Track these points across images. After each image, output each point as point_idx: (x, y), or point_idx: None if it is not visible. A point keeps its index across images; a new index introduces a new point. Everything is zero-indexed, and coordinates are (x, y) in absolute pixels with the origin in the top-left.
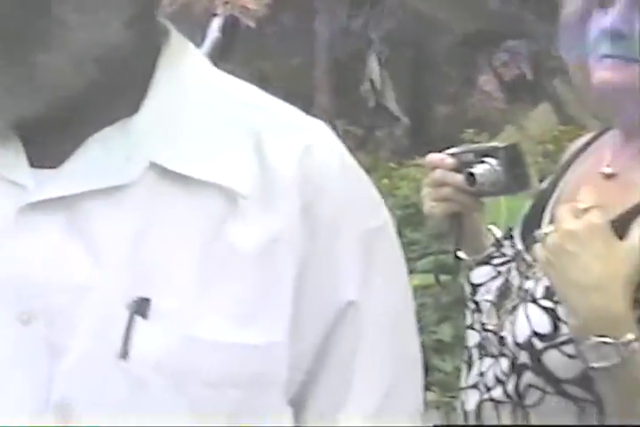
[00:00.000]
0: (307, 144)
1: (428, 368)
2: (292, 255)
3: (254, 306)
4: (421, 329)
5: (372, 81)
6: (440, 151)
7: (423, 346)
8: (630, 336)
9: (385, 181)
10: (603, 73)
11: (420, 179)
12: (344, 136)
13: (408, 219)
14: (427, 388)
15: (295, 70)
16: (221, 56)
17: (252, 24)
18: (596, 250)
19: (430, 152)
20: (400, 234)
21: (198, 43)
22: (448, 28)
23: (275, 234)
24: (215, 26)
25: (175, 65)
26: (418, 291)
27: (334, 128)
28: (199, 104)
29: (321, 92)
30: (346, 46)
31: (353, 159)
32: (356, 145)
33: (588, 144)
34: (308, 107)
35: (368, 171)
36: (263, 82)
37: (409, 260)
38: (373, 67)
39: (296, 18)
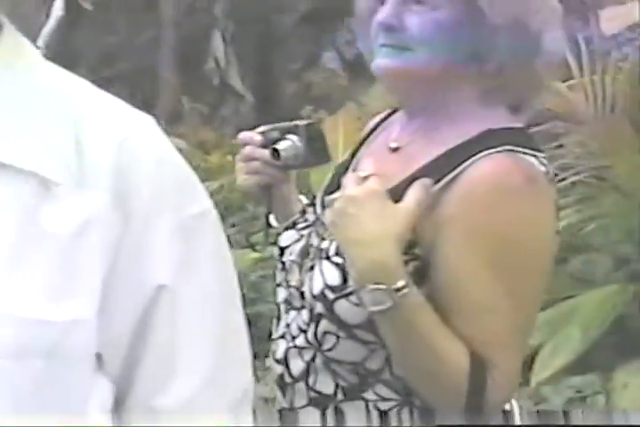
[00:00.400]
0: (123, 137)
1: (270, 335)
2: (103, 241)
3: (61, 286)
4: (262, 299)
5: (216, 58)
6: None
7: (263, 315)
8: (400, 283)
9: (229, 157)
10: (380, 60)
11: None
12: (190, 113)
13: (250, 194)
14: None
15: (141, 47)
16: (66, 33)
17: (87, 6)
18: (373, 212)
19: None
20: (243, 208)
21: (43, 21)
22: (292, 5)
23: (86, 220)
24: (59, 4)
25: (7, 61)
26: (258, 263)
27: (180, 105)
28: (23, 97)
29: (166, 70)
30: (191, 23)
31: (173, 151)
32: (202, 122)
33: (382, 121)
34: (153, 84)
35: (213, 147)
36: (109, 59)
37: (251, 234)
38: (218, 44)
39: None
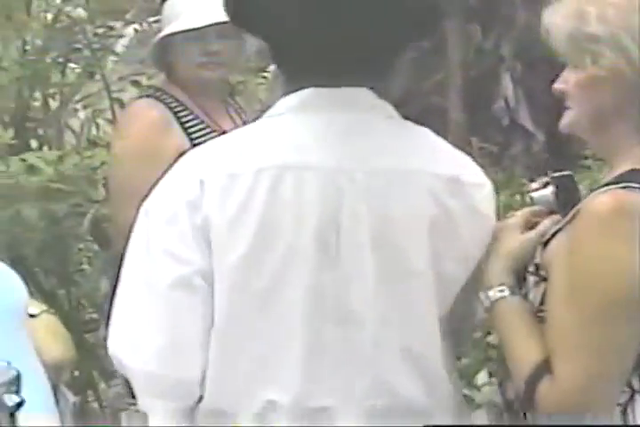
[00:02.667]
0: None
1: None
2: None
3: None
4: None
5: (505, 98)
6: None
7: None
8: (495, 290)
9: (517, 197)
10: None
11: None
12: (479, 153)
13: None
14: None
15: (430, 89)
16: None
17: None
18: (506, 236)
19: (565, 168)
20: None
21: None
22: None
23: None
24: None
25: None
26: None
27: (469, 145)
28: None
29: (456, 111)
30: (479, 64)
31: None
32: (491, 162)
33: None
34: (443, 125)
35: (502, 187)
36: (399, 101)
37: None
38: (507, 84)
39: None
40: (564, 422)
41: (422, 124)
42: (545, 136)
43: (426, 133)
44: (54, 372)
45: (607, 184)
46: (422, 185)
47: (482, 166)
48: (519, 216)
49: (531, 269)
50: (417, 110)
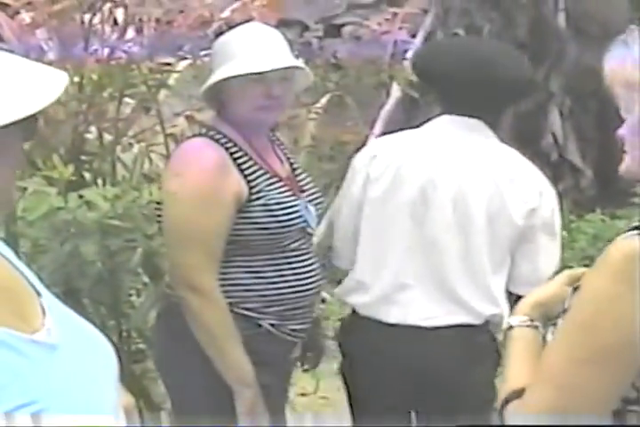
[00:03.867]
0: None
1: None
2: None
3: None
4: None
5: (554, 134)
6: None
7: None
8: (510, 319)
9: (564, 233)
10: None
11: (595, 231)
12: None
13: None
14: None
15: None
16: (405, 113)
17: (415, 94)
18: (555, 281)
19: (614, 204)
20: None
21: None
22: None
23: None
24: (396, 86)
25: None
26: None
27: None
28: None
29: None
30: (528, 99)
31: None
32: None
33: None
34: None
35: None
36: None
37: None
38: (555, 119)
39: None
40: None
41: None
42: (593, 172)
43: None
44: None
45: (636, 228)
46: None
47: None
48: (577, 270)
49: (562, 312)
50: None
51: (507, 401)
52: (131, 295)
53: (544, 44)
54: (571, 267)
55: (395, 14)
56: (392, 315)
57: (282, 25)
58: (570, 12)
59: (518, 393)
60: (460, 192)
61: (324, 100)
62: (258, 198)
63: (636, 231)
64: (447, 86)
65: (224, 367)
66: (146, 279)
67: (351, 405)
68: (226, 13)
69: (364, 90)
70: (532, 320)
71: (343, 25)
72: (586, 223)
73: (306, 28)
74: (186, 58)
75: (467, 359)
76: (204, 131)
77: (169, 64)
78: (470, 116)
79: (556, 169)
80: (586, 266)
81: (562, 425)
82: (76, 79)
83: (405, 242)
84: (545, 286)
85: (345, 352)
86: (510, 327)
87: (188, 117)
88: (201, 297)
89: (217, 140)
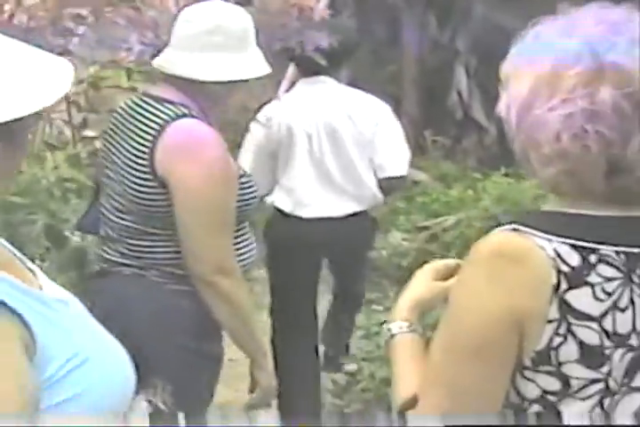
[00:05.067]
0: None
1: None
2: None
3: None
4: None
5: (459, 92)
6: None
7: None
8: (396, 324)
9: (469, 191)
10: None
11: (500, 192)
12: (432, 146)
13: (486, 231)
14: None
15: (384, 82)
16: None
17: (322, 62)
18: (422, 279)
19: (516, 162)
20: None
21: None
22: None
23: None
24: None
25: None
26: None
27: (423, 138)
28: None
29: (410, 104)
30: (434, 58)
31: None
32: (444, 155)
33: None
34: (397, 116)
35: (454, 180)
36: (354, 88)
37: None
38: (461, 78)
39: (386, 29)
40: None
41: None
42: (497, 130)
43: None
44: None
45: (512, 222)
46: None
47: (435, 159)
48: (439, 263)
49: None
50: None
51: (403, 410)
52: (34, 261)
53: (450, 3)
54: (474, 226)
55: None
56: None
57: None
58: None
59: (412, 401)
60: (331, 128)
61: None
62: (241, 174)
63: (509, 226)
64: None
65: (248, 339)
66: (48, 244)
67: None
68: None
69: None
70: (411, 324)
71: None
72: (491, 184)
73: None
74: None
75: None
76: (181, 110)
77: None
78: (318, 74)
79: (460, 127)
80: (490, 226)
81: (572, 425)
82: None
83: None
84: (413, 284)
85: (271, 244)
86: (392, 335)
87: (91, 84)
88: (232, 278)
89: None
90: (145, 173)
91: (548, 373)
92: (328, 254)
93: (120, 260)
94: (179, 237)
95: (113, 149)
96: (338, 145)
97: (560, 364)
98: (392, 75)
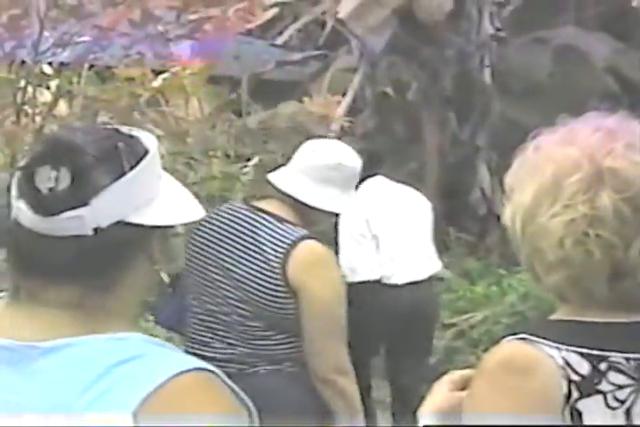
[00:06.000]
0: None
1: None
2: None
3: None
4: None
5: (482, 189)
6: None
7: None
8: None
9: (494, 288)
10: None
11: (525, 289)
12: (456, 243)
13: (514, 327)
14: None
15: (406, 177)
16: None
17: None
18: (439, 391)
19: None
20: None
21: None
22: None
23: None
24: None
25: None
26: None
27: (446, 235)
28: None
29: (431, 200)
30: (454, 154)
31: None
32: (468, 251)
33: None
34: None
35: (479, 277)
36: None
37: None
38: (484, 174)
39: (406, 127)
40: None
41: None
42: None
43: None
44: None
45: (520, 332)
46: None
47: (458, 256)
48: (456, 373)
49: None
50: None
51: None
52: None
53: (470, 100)
54: (501, 322)
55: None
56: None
57: (211, 82)
58: (494, 69)
59: None
60: None
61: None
62: None
63: (518, 336)
64: None
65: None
66: None
67: None
68: (156, 83)
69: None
70: None
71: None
72: (517, 280)
73: (236, 83)
74: None
75: None
76: (303, 231)
77: None
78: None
79: (484, 223)
80: (516, 322)
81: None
82: None
83: None
84: (431, 396)
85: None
86: None
87: None
88: (347, 376)
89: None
90: (278, 284)
91: None
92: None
93: (246, 359)
94: (303, 340)
95: (226, 258)
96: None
97: None
98: (413, 172)
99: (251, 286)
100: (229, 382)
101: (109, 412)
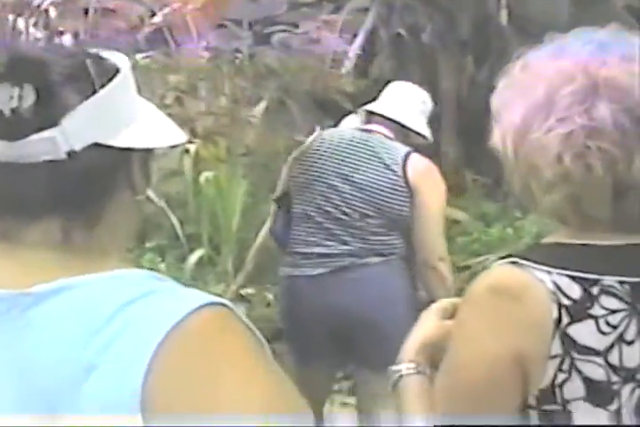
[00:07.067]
0: None
1: None
2: None
3: None
4: None
5: None
6: None
7: None
8: (404, 365)
9: (509, 230)
10: None
11: (537, 231)
12: (472, 185)
13: None
14: None
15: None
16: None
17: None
18: (429, 319)
19: None
20: None
21: None
22: None
23: None
24: None
25: None
26: None
27: (463, 178)
28: None
29: (449, 142)
30: (472, 97)
31: None
32: (485, 194)
33: None
34: (436, 158)
35: (494, 220)
36: None
37: None
38: None
39: (423, 70)
40: None
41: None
42: None
43: None
44: None
45: (510, 255)
46: None
47: (475, 198)
48: (445, 302)
49: None
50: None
51: None
52: None
53: (487, 43)
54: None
55: (326, 21)
56: None
57: (219, 29)
58: (512, 11)
59: None
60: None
61: (261, 107)
62: None
63: (507, 260)
64: None
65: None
66: None
67: None
68: (157, 19)
69: (301, 97)
70: (418, 366)
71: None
72: (529, 222)
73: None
74: None
75: None
76: (411, 148)
77: None
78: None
79: (501, 166)
80: None
81: (573, 425)
82: None
83: None
84: (420, 325)
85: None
86: (399, 377)
87: None
88: (446, 263)
89: None
90: (399, 185)
91: (554, 412)
92: None
93: (360, 253)
94: (414, 236)
95: (344, 167)
96: None
97: (566, 402)
98: (431, 115)
99: (374, 188)
100: (241, 314)
101: (122, 361)
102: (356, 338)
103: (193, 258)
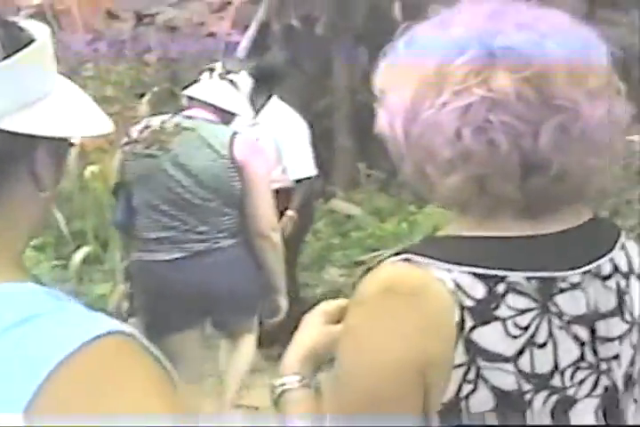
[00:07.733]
0: None
1: None
2: None
3: None
4: None
5: None
6: None
7: None
8: (286, 379)
9: (404, 224)
10: None
11: (433, 225)
12: (366, 180)
13: None
14: None
15: (317, 114)
16: None
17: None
18: (312, 325)
19: None
20: None
21: None
22: None
23: None
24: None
25: None
26: None
27: (357, 171)
28: None
29: (343, 136)
30: (367, 90)
31: None
32: (379, 188)
33: None
34: (330, 150)
35: (389, 215)
36: None
37: None
38: None
39: (317, 63)
40: None
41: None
42: None
43: None
44: None
45: (404, 251)
46: None
47: (369, 193)
48: (330, 304)
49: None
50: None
51: None
52: None
53: (381, 36)
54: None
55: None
56: None
57: (110, 17)
58: (404, 2)
59: None
60: None
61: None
62: None
63: (401, 256)
64: None
65: (281, 276)
66: None
67: None
68: (37, 1)
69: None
70: (302, 379)
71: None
72: (424, 216)
73: (139, 19)
74: None
75: None
76: (234, 129)
77: None
78: None
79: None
80: None
81: (573, 425)
82: None
83: None
84: (302, 331)
85: None
86: (282, 392)
87: None
88: (278, 232)
89: None
90: (229, 167)
91: None
92: None
93: (208, 236)
94: (246, 208)
95: (179, 156)
96: None
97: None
98: (325, 108)
99: (208, 174)
100: (146, 342)
101: (8, 387)
102: (214, 310)
103: (78, 256)
